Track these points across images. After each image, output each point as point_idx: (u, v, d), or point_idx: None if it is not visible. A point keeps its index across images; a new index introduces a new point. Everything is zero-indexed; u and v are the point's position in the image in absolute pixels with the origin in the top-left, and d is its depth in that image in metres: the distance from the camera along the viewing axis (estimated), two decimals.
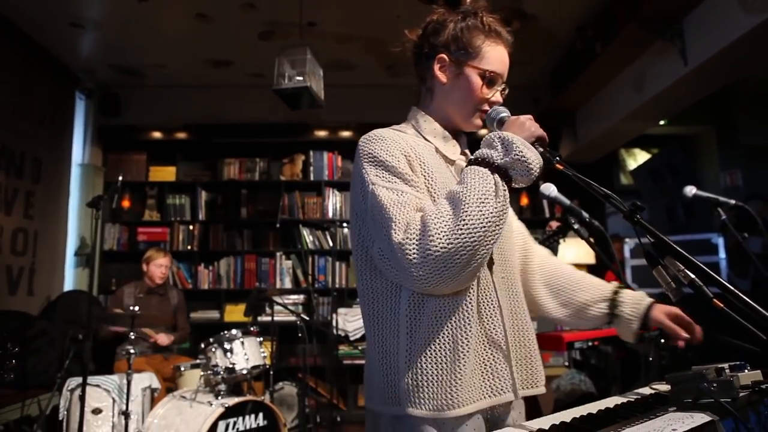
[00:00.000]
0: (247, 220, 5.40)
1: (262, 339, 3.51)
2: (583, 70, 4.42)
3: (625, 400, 1.07)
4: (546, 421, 0.91)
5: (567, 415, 0.94)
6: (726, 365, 0.96)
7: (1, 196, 4.01)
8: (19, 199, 4.20)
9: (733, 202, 2.28)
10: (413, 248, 0.96)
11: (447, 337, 1.04)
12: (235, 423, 2.99)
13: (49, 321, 4.11)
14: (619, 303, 1.28)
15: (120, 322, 3.47)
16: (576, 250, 5.02)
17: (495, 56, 1.17)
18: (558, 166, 1.04)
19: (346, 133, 5.58)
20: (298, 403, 4.26)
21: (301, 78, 3.37)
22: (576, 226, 2.17)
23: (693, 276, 0.89)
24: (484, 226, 0.96)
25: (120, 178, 3.49)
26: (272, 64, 3.42)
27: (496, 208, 0.97)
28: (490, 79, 1.16)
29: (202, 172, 5.59)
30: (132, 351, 3.12)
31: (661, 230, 0.95)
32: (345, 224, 5.35)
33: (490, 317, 1.10)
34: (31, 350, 3.75)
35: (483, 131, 1.21)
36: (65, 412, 3.10)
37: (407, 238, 0.97)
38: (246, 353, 3.29)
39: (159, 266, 4.11)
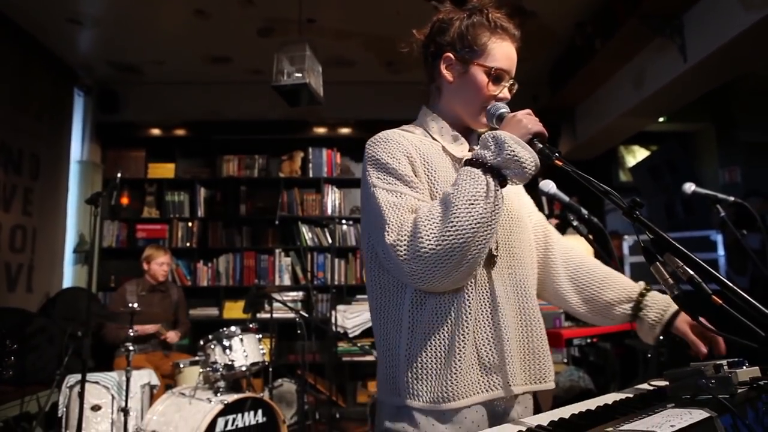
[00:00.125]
0: (246, 217, 5.40)
1: (261, 336, 3.51)
2: (583, 67, 4.41)
3: (623, 396, 1.08)
4: (545, 418, 0.91)
5: (565, 412, 0.94)
6: (724, 362, 0.96)
7: None
8: (17, 195, 4.20)
9: (732, 199, 2.28)
10: (404, 249, 1.00)
11: (445, 332, 1.07)
12: (234, 420, 2.99)
13: (48, 318, 4.11)
14: (644, 306, 1.26)
15: (121, 320, 3.47)
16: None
17: (501, 53, 1.16)
18: (557, 162, 1.03)
19: (345, 130, 5.58)
20: (297, 399, 4.28)
21: (300, 75, 3.36)
22: (575, 223, 2.17)
23: (692, 272, 0.89)
24: (473, 227, 0.97)
25: (119, 174, 3.49)
26: (271, 61, 3.42)
27: (485, 209, 0.98)
28: (495, 76, 1.16)
29: (201, 169, 5.59)
30: (131, 348, 3.12)
31: (660, 227, 0.95)
32: (344, 221, 5.35)
33: (492, 313, 1.10)
34: (30, 347, 3.75)
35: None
36: (64, 409, 3.10)
37: (399, 239, 1.01)
38: (245, 350, 3.29)
39: (161, 264, 4.13)
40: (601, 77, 4.62)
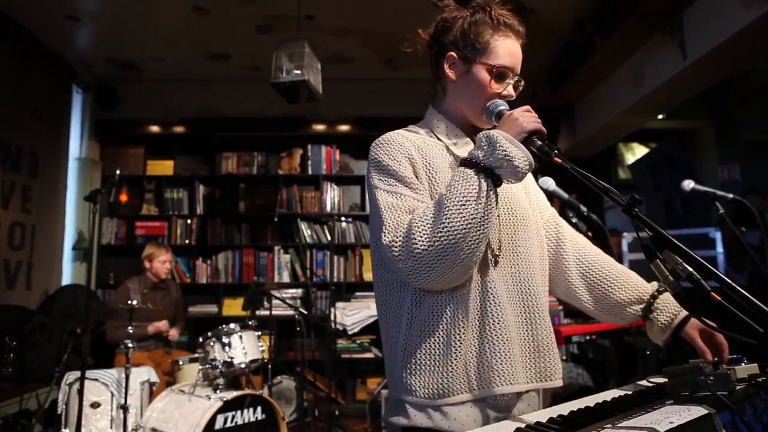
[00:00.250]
0: (245, 214, 5.40)
1: (260, 333, 3.52)
2: (582, 64, 4.41)
3: (622, 393, 1.08)
4: (544, 414, 0.91)
5: (564, 409, 0.95)
6: None
7: None
8: (16, 193, 4.19)
9: (731, 196, 2.28)
10: (398, 249, 1.03)
11: (441, 330, 1.09)
12: (233, 417, 3.00)
13: (47, 315, 4.11)
14: (654, 309, 1.25)
15: (121, 317, 3.46)
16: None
17: (504, 50, 1.16)
18: (556, 159, 1.02)
19: (344, 127, 5.57)
20: (296, 396, 4.28)
21: (299, 71, 3.35)
22: (574, 220, 2.17)
23: (691, 269, 0.89)
24: (465, 228, 0.98)
25: (117, 172, 3.49)
26: (270, 58, 3.41)
27: (476, 210, 0.99)
28: (498, 74, 1.16)
29: (199, 166, 5.58)
30: (131, 345, 3.12)
31: (659, 224, 0.95)
32: (343, 218, 5.35)
33: (491, 312, 1.10)
34: (30, 344, 3.76)
35: None
36: (64, 406, 3.10)
37: (394, 239, 1.04)
38: (244, 347, 3.29)
39: (163, 262, 4.13)
40: (600, 75, 4.62)
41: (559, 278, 1.33)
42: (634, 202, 0.94)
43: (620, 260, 4.39)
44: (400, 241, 1.03)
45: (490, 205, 1.01)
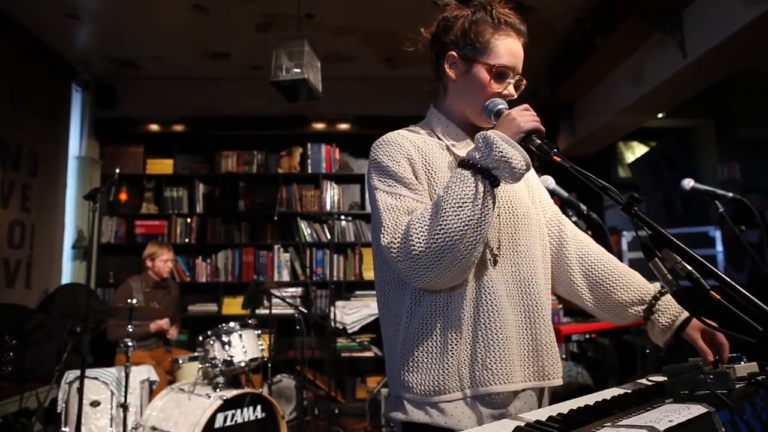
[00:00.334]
0: (244, 212, 5.40)
1: (260, 332, 3.52)
2: (582, 63, 4.41)
3: (622, 391, 1.08)
4: (543, 413, 0.91)
5: (564, 407, 0.95)
6: None
7: None
8: (15, 191, 4.19)
9: (730, 194, 2.28)
10: (396, 250, 1.05)
11: (438, 328, 1.10)
12: (233, 415, 3.00)
13: (47, 314, 4.11)
14: (656, 311, 1.25)
15: (121, 316, 3.47)
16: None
17: (504, 49, 1.16)
18: (555, 158, 1.02)
19: (344, 126, 5.57)
20: (296, 395, 4.28)
21: (298, 70, 3.35)
22: (574, 219, 2.17)
23: (690, 268, 0.89)
24: (461, 230, 1.00)
25: (117, 170, 3.49)
26: (270, 56, 3.41)
27: (473, 211, 1.00)
28: (498, 74, 1.16)
29: (199, 164, 5.58)
30: (130, 344, 3.12)
31: (659, 223, 0.95)
32: (343, 217, 5.35)
33: (488, 311, 1.10)
34: (30, 343, 3.76)
35: None
36: (64, 405, 3.10)
37: (393, 241, 1.06)
38: (244, 346, 3.29)
39: (165, 261, 4.14)
40: (600, 73, 4.62)
41: (562, 276, 1.32)
42: (633, 201, 0.94)
43: (620, 259, 4.39)
44: (398, 242, 1.05)
45: (486, 206, 1.01)
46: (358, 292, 5.21)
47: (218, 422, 2.92)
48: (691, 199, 5.23)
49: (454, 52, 1.19)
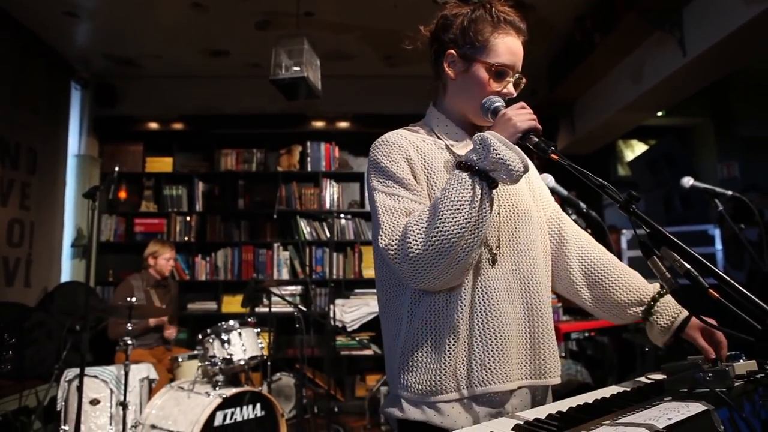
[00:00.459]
0: (244, 211, 5.40)
1: (259, 330, 3.52)
2: (582, 61, 4.41)
3: (621, 390, 1.08)
4: (542, 411, 0.92)
5: (563, 405, 0.95)
6: None
7: None
8: (15, 190, 4.19)
9: (730, 193, 2.29)
10: (393, 251, 1.05)
11: (437, 328, 1.10)
12: (232, 413, 3.00)
13: (46, 312, 4.11)
14: (655, 312, 1.24)
15: (121, 314, 3.47)
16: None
17: (504, 48, 1.15)
18: (553, 156, 1.02)
19: (343, 124, 5.56)
20: (295, 393, 4.29)
21: (298, 68, 3.35)
22: (573, 217, 2.17)
23: (688, 266, 0.89)
24: (459, 232, 1.00)
25: (116, 168, 3.47)
26: (269, 54, 3.40)
27: (471, 214, 1.00)
28: (497, 73, 1.15)
29: (199, 163, 5.58)
30: (129, 342, 3.12)
31: (658, 221, 0.95)
32: (342, 215, 5.35)
33: (486, 310, 1.10)
34: (29, 341, 3.76)
35: None
36: (63, 403, 3.10)
37: (391, 242, 1.06)
38: (243, 344, 3.29)
39: (168, 260, 4.14)
40: (600, 71, 4.61)
41: (561, 275, 1.32)
42: (631, 199, 0.94)
43: (619, 257, 4.39)
44: (396, 244, 1.05)
45: (484, 209, 1.01)
46: (357, 291, 5.21)
47: (218, 420, 2.92)
48: (690, 197, 5.24)
49: (453, 51, 1.18)
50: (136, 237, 5.23)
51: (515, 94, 1.19)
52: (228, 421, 2.97)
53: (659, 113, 5.42)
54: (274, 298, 4.05)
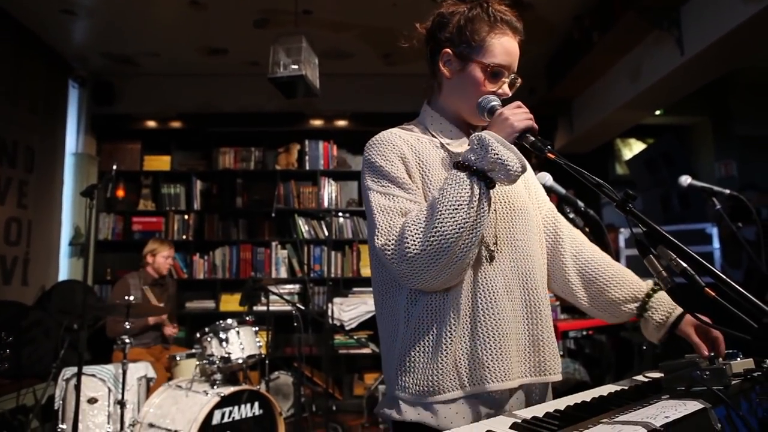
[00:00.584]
0: (242, 209, 5.39)
1: (257, 328, 3.51)
2: (580, 60, 4.41)
3: (618, 388, 1.08)
4: (540, 409, 0.92)
5: (561, 403, 0.95)
6: None
7: None
8: (12, 188, 4.18)
9: (728, 192, 2.29)
10: (391, 251, 1.04)
11: (434, 328, 1.09)
12: (230, 412, 3.00)
13: (43, 311, 4.11)
14: (649, 308, 1.25)
15: (119, 313, 3.46)
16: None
17: (500, 48, 1.15)
18: (549, 155, 1.02)
19: (341, 123, 5.56)
20: (293, 392, 4.29)
21: (296, 66, 3.34)
22: (571, 216, 2.17)
23: (685, 265, 0.89)
24: (457, 232, 1.00)
25: (114, 167, 3.48)
26: (267, 53, 3.40)
27: (469, 214, 1.00)
28: (493, 73, 1.15)
29: (197, 161, 5.57)
30: (127, 341, 3.12)
31: (656, 220, 0.95)
32: (340, 213, 5.35)
33: (485, 308, 1.10)
34: (27, 340, 3.75)
35: None
36: (61, 402, 3.10)
37: (387, 242, 1.05)
38: (241, 343, 3.29)
39: (166, 258, 4.14)
40: (598, 70, 4.62)
41: (557, 274, 1.32)
42: (628, 198, 0.94)
43: (617, 256, 4.41)
44: (392, 244, 1.04)
45: (482, 209, 1.02)
46: (355, 289, 5.21)
47: (216, 419, 2.92)
48: (688, 196, 5.25)
49: (449, 50, 1.18)
50: (134, 235, 5.23)
51: (510, 95, 1.19)
52: (226, 419, 2.97)
53: (657, 112, 5.43)
54: (272, 297, 4.05)
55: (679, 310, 1.23)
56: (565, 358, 3.70)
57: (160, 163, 5.48)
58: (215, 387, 3.05)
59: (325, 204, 5.44)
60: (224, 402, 2.96)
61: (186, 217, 5.33)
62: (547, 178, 2.17)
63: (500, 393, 1.10)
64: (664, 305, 1.24)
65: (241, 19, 4.35)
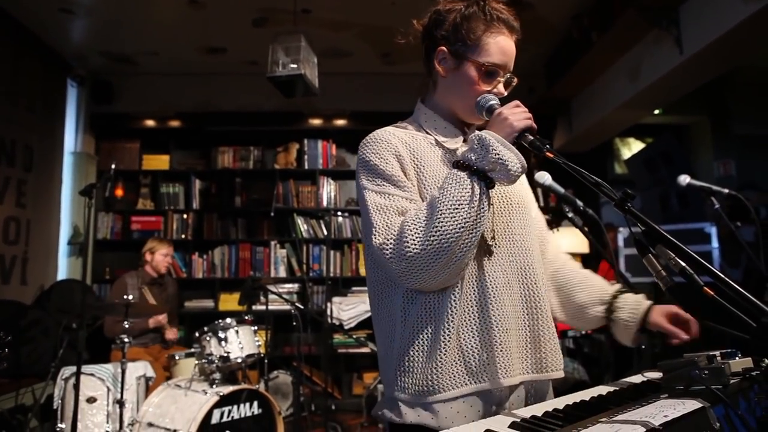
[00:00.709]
0: (241, 208, 5.39)
1: (256, 328, 3.51)
2: (579, 59, 4.41)
3: (617, 387, 1.08)
4: (539, 408, 0.92)
5: (560, 403, 0.95)
6: (717, 353, 0.97)
7: None
8: (11, 187, 4.17)
9: (726, 191, 2.29)
10: (389, 250, 1.03)
11: (432, 327, 1.08)
12: (230, 411, 3.00)
13: (42, 310, 4.10)
14: (616, 308, 1.26)
15: (118, 312, 3.46)
16: (570, 239, 5.04)
17: (495, 47, 1.14)
18: (548, 154, 1.02)
19: (340, 122, 5.56)
20: (292, 391, 4.29)
21: (295, 65, 3.34)
22: (570, 215, 2.17)
23: (683, 264, 0.89)
24: (457, 232, 1.00)
25: (113, 166, 3.47)
26: (266, 52, 3.39)
27: (469, 214, 1.00)
28: (487, 72, 1.14)
29: (195, 160, 5.57)
30: (126, 340, 3.12)
31: (655, 219, 0.95)
32: (339, 213, 5.35)
33: (486, 305, 1.09)
34: (25, 339, 3.75)
35: None
36: (60, 401, 3.10)
37: (386, 241, 1.04)
38: (240, 342, 3.29)
39: (165, 255, 4.13)
40: (597, 70, 4.61)
41: None
42: (627, 197, 0.94)
43: (616, 255, 4.40)
44: (391, 243, 1.03)
45: (482, 208, 1.01)
46: (354, 288, 5.21)
47: (215, 418, 2.92)
48: (687, 195, 5.25)
49: (444, 48, 1.17)
50: (133, 235, 5.22)
51: (505, 94, 1.18)
52: (225, 419, 2.97)
53: (656, 111, 5.43)
54: (271, 296, 4.05)
55: (646, 304, 1.24)
56: (564, 358, 3.70)
57: (159, 162, 5.48)
58: (214, 386, 3.05)
59: (324, 203, 5.44)
60: (223, 401, 2.96)
61: (185, 216, 5.33)
62: (546, 177, 2.17)
63: (501, 390, 1.09)
64: (630, 303, 1.25)
65: (240, 18, 4.35)
